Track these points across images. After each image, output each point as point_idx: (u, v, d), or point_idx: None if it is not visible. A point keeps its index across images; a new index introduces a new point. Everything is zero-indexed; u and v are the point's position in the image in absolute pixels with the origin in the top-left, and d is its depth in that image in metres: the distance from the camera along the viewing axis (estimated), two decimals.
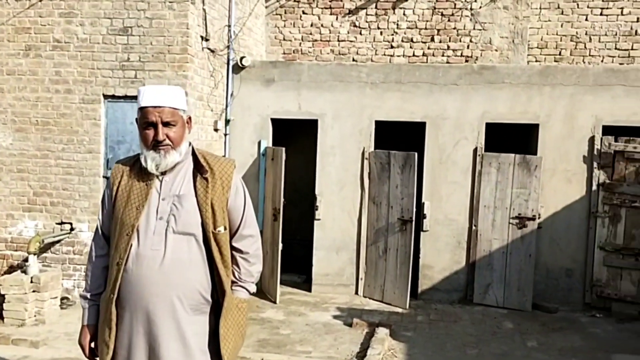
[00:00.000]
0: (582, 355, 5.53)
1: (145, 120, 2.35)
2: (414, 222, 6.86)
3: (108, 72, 6.38)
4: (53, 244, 6.53)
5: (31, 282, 5.87)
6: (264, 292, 7.26)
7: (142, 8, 6.28)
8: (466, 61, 8.42)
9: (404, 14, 8.62)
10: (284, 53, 8.89)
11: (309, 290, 7.45)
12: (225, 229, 2.40)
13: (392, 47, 8.65)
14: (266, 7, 8.85)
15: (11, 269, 6.53)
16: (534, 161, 6.90)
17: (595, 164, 6.94)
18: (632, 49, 8.45)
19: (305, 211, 8.20)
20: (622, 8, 8.43)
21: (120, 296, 2.32)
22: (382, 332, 5.76)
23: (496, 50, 8.44)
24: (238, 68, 7.45)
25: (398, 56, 8.65)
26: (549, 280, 7.10)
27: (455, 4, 8.51)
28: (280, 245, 6.97)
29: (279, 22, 8.88)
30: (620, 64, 8.34)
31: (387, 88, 7.29)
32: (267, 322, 6.26)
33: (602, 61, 8.45)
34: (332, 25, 8.77)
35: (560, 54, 8.59)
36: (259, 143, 7.50)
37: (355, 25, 8.71)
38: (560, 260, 7.08)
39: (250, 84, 7.48)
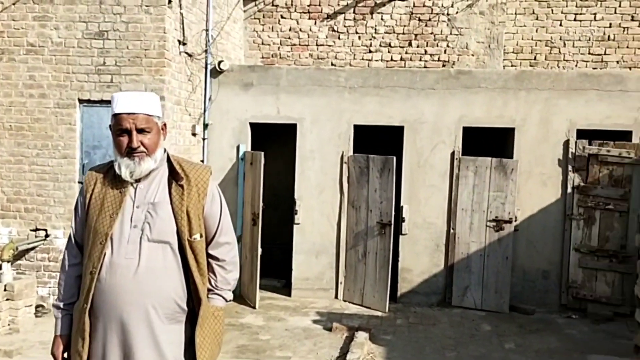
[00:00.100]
0: (559, 357, 5.61)
1: (119, 127, 2.32)
2: (392, 226, 6.89)
3: (83, 76, 6.30)
4: (27, 251, 6.42)
5: (5, 290, 5.77)
6: (243, 297, 7.22)
7: (118, 12, 6.22)
8: (443, 66, 8.51)
9: (381, 19, 8.67)
10: (263, 57, 8.87)
11: (289, 294, 7.43)
12: (201, 236, 2.38)
13: (370, 51, 8.70)
14: (244, 11, 8.82)
15: None
16: (510, 164, 6.99)
17: (570, 167, 7.05)
18: (605, 54, 8.62)
19: (285, 215, 8.19)
20: (595, 14, 8.59)
21: (94, 306, 2.28)
22: (361, 336, 5.76)
23: (473, 55, 8.53)
24: (216, 72, 7.42)
25: (376, 60, 8.69)
26: (526, 282, 7.18)
27: (432, 9, 8.59)
28: (260, 250, 6.94)
29: (258, 26, 8.86)
30: (594, 68, 8.50)
31: (366, 92, 7.32)
32: (247, 327, 6.22)
33: (576, 66, 8.60)
34: (310, 30, 8.78)
35: (535, 59, 8.72)
36: (238, 147, 7.47)
37: (333, 30, 8.74)
38: (537, 262, 7.17)
39: (228, 88, 7.45)
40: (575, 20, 8.65)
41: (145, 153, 2.32)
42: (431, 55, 8.61)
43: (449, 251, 7.22)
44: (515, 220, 7.04)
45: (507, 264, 7.00)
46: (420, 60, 8.63)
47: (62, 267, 2.48)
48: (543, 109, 7.13)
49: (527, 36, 8.71)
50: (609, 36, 8.60)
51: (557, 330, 6.41)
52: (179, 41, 6.56)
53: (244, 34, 8.84)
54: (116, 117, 2.33)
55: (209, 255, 2.45)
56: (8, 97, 6.40)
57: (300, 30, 8.81)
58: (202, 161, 7.40)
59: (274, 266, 8.13)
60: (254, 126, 7.59)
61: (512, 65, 8.67)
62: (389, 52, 8.68)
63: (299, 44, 8.82)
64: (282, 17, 8.82)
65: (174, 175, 2.39)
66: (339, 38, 8.76)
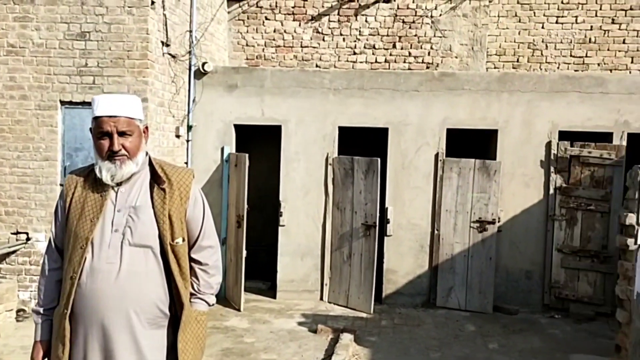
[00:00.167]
0: (542, 357, 5.66)
1: (100, 130, 2.30)
2: (377, 227, 6.91)
3: (65, 77, 6.23)
4: (8, 254, 6.33)
5: None
6: (228, 300, 7.19)
7: (101, 13, 6.16)
8: (427, 68, 8.55)
9: (366, 21, 8.70)
10: (247, 59, 8.85)
11: (274, 297, 7.41)
12: (183, 240, 2.36)
13: (354, 53, 8.72)
14: (228, 12, 8.80)
15: None
16: (494, 166, 7.04)
17: (552, 169, 7.12)
18: (586, 56, 8.73)
19: (270, 217, 8.17)
20: (576, 16, 8.70)
21: (75, 311, 2.25)
22: (346, 337, 5.77)
23: (456, 57, 8.59)
24: (200, 74, 7.38)
25: (361, 62, 8.72)
26: (509, 283, 7.24)
27: (416, 12, 8.63)
28: (245, 252, 6.92)
29: (242, 28, 8.84)
30: (575, 70, 8.60)
31: (350, 94, 7.33)
32: (231, 330, 6.19)
33: (557, 68, 8.70)
34: (295, 32, 8.78)
35: (517, 61, 8.80)
36: (222, 149, 7.44)
37: (318, 32, 8.75)
38: (520, 262, 7.23)
39: (212, 89, 7.42)
40: (557, 23, 8.75)
41: (126, 156, 2.31)
42: (415, 57, 8.66)
43: (433, 252, 7.25)
44: (499, 221, 7.10)
45: (490, 264, 7.06)
46: (405, 62, 8.67)
47: (42, 272, 2.45)
48: (525, 110, 7.20)
49: (509, 38, 8.80)
50: (590, 39, 8.71)
51: (540, 330, 6.47)
52: (162, 42, 6.51)
53: (228, 35, 8.81)
54: (97, 119, 2.30)
55: (191, 259, 2.43)
56: None
57: (285, 31, 8.80)
58: (186, 163, 7.36)
59: (259, 268, 8.10)
60: (239, 128, 7.56)
61: (495, 68, 8.75)
62: (373, 54, 8.71)
63: (284, 46, 8.82)
64: (266, 18, 8.81)
65: (155, 179, 2.37)
66: (323, 40, 8.76)
